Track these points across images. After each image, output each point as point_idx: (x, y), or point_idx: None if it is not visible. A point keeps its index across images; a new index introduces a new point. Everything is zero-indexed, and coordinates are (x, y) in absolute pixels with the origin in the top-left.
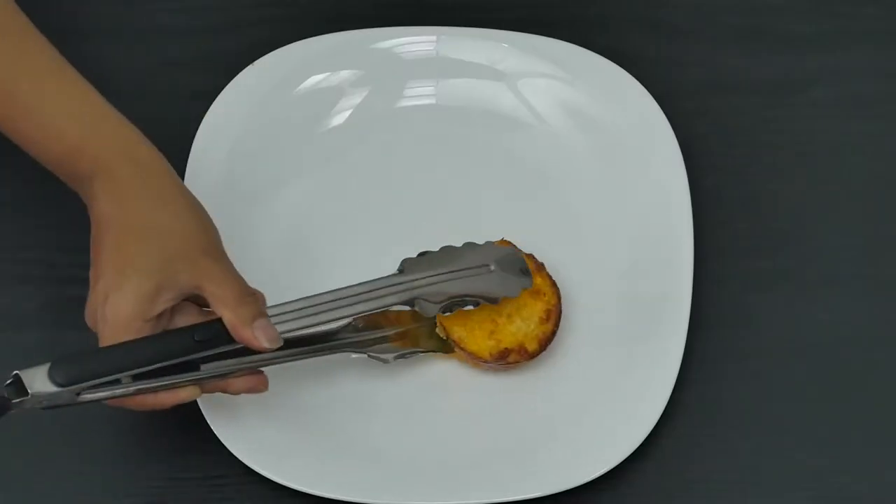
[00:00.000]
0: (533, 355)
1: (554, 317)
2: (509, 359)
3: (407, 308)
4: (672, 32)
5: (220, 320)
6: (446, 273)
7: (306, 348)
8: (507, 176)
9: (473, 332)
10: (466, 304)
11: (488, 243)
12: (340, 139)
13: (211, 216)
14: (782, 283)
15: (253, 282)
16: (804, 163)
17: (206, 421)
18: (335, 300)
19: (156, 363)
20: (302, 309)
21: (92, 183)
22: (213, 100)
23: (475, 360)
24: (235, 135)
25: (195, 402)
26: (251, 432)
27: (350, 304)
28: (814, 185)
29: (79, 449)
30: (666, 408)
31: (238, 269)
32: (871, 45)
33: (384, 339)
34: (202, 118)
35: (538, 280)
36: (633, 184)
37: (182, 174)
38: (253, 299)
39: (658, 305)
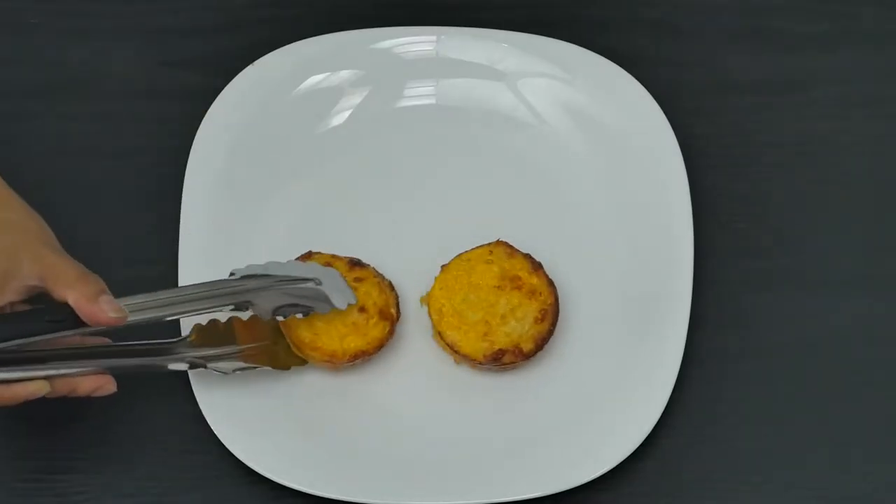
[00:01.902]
0: (529, 355)
1: (550, 316)
2: (504, 360)
3: (244, 312)
4: (672, 32)
5: (66, 306)
6: (278, 279)
7: (143, 360)
8: (507, 176)
9: (467, 335)
10: (297, 311)
11: (310, 264)
12: (340, 139)
13: (211, 216)
14: (782, 283)
15: None
16: (804, 163)
17: (206, 421)
18: (175, 297)
19: (10, 339)
20: (143, 302)
21: None
22: (213, 100)
23: (471, 362)
24: (235, 135)
25: (195, 403)
26: (251, 432)
27: (188, 302)
28: (814, 185)
29: (78, 449)
30: (666, 408)
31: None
32: (871, 45)
33: (231, 356)
34: (202, 118)
35: (534, 280)
36: (633, 184)
37: (182, 174)
38: (95, 278)
39: (658, 305)
